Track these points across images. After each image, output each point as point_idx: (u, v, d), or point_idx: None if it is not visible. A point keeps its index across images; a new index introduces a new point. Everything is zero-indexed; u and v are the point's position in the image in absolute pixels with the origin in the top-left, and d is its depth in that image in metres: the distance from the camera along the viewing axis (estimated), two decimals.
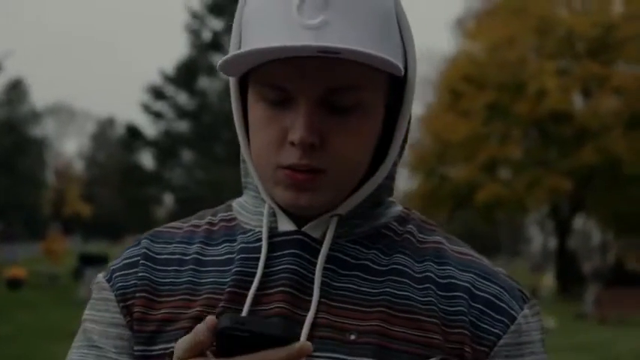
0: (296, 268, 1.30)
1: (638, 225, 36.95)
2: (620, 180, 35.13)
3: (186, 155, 42.73)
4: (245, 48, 1.25)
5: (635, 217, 36.13)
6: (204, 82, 42.23)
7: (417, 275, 1.33)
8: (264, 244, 1.33)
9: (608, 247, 52.79)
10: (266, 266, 1.31)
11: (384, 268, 1.33)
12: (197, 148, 41.64)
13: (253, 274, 1.31)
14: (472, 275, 1.35)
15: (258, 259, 1.32)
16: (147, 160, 43.60)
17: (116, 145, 70.69)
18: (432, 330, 1.29)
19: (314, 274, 1.30)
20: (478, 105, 35.63)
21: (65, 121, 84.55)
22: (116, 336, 1.37)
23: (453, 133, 35.90)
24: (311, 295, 1.29)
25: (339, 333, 1.27)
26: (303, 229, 1.33)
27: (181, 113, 41.95)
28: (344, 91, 1.25)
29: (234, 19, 1.33)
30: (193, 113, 41.56)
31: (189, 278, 1.36)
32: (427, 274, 1.34)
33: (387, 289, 1.31)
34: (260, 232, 1.35)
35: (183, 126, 42.46)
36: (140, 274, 1.38)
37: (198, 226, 1.44)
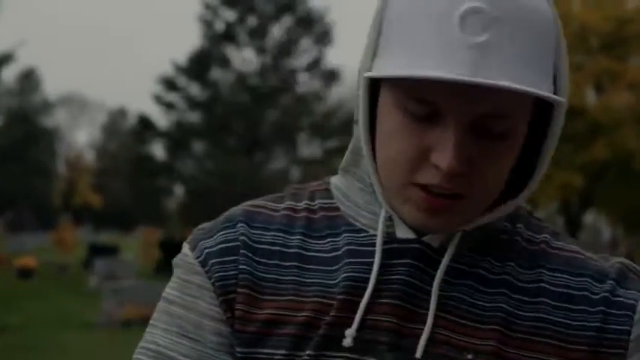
0: (411, 280, 1.24)
1: None
2: (631, 176, 35.03)
3: (198, 146, 42.76)
4: (391, 58, 1.18)
5: None
6: (216, 74, 42.22)
7: (529, 287, 1.27)
8: (377, 250, 1.25)
9: (619, 243, 52.70)
10: (379, 274, 1.24)
11: (497, 278, 1.27)
12: (208, 140, 41.66)
13: (365, 281, 1.25)
14: (587, 280, 1.29)
15: (370, 264, 1.25)
16: (158, 150, 43.65)
17: (127, 135, 70.77)
18: (545, 352, 1.23)
19: (430, 285, 1.24)
20: None
21: (77, 112, 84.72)
22: (213, 330, 1.28)
23: None
24: (425, 307, 1.23)
25: (456, 351, 1.22)
26: (423, 238, 1.26)
27: (193, 104, 41.96)
28: (497, 118, 1.18)
29: (373, 20, 1.24)
30: (205, 104, 41.57)
31: (294, 277, 1.27)
32: (541, 284, 1.28)
33: (501, 305, 1.25)
34: (373, 235, 1.28)
35: (194, 117, 42.48)
36: (241, 267, 1.28)
37: (296, 211, 1.34)
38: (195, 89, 42.10)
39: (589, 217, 49.52)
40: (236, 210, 1.35)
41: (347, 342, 1.22)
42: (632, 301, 1.27)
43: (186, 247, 1.34)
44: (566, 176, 34.16)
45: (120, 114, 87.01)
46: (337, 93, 45.87)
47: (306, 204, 1.34)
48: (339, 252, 1.28)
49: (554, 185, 34.47)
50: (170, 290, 1.33)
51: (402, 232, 1.26)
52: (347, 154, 1.33)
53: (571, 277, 1.29)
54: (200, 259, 1.30)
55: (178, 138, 41.34)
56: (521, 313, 1.25)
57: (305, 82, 43.11)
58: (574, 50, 36.13)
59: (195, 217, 45.13)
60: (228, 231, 1.31)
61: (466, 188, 1.19)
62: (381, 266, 1.25)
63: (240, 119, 40.22)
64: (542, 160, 1.28)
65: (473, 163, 1.18)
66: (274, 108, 40.93)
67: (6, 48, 35.24)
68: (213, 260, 1.29)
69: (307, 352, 1.23)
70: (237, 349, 1.26)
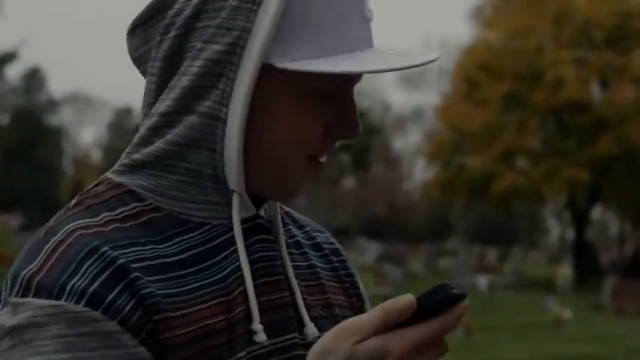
0: (269, 254, 1.27)
1: None
2: (638, 170, 34.97)
3: None
4: (307, 45, 1.21)
5: None
6: None
7: (310, 243, 1.42)
8: (238, 235, 1.23)
9: (627, 238, 52.60)
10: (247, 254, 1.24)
11: (293, 240, 1.38)
12: None
13: (240, 270, 1.23)
14: (326, 234, 1.48)
15: (233, 253, 1.23)
16: None
17: (134, 133, 70.68)
18: (344, 294, 1.42)
19: (278, 257, 1.29)
20: (495, 94, 35.54)
21: (83, 110, 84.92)
22: None
23: (469, 122, 35.83)
24: (281, 277, 1.28)
25: (313, 310, 1.31)
26: (259, 212, 1.29)
27: None
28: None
29: (266, 4, 1.20)
30: None
31: (182, 288, 1.18)
32: (316, 241, 1.43)
33: (312, 262, 1.38)
34: (218, 225, 1.24)
35: None
36: (142, 292, 1.14)
37: (122, 221, 1.20)
38: None
39: (597, 213, 49.49)
40: (78, 235, 1.16)
41: (260, 337, 1.21)
42: (341, 250, 1.48)
43: (37, 300, 1.11)
44: (572, 171, 34.13)
45: (126, 112, 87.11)
46: None
47: (124, 211, 1.22)
48: (198, 249, 1.22)
49: (561, 179, 34.45)
50: (53, 355, 1.08)
51: (243, 212, 1.26)
52: (150, 151, 1.24)
53: (320, 233, 1.46)
54: (84, 302, 1.10)
55: None
56: (322, 265, 1.40)
57: None
58: (578, 45, 36.10)
59: None
60: (94, 259, 1.14)
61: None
62: (245, 247, 1.24)
63: None
64: None
65: None
66: None
67: (10, 46, 35.27)
68: (110, 297, 1.11)
69: (238, 356, 1.19)
70: None
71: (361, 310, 1.42)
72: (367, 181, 61.13)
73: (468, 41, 44.27)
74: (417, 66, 1.21)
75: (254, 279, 1.23)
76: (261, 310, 1.22)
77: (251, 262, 1.24)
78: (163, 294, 1.15)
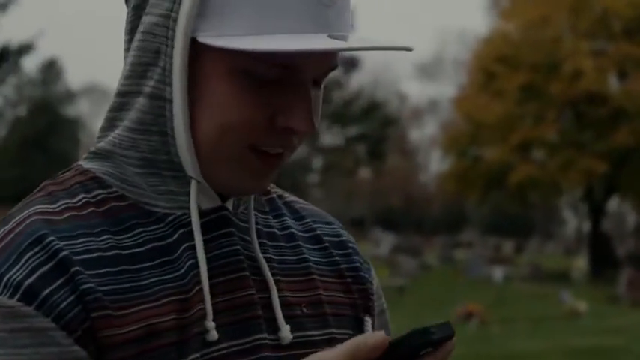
0: (235, 248, 1.18)
1: None
2: None
3: None
4: (234, 19, 1.09)
5: None
6: None
7: (307, 235, 1.33)
8: (196, 229, 1.15)
9: None
10: (207, 251, 1.16)
11: (285, 232, 1.29)
12: None
13: (198, 267, 1.14)
14: (335, 226, 1.37)
15: (192, 247, 1.15)
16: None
17: None
18: (343, 290, 1.31)
19: (249, 250, 1.20)
20: (512, 85, 35.42)
21: (99, 101, 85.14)
22: None
23: (486, 113, 35.72)
24: (254, 273, 1.19)
25: (293, 309, 1.22)
26: (225, 204, 1.20)
27: None
28: (331, 71, 1.18)
29: None
30: None
31: (133, 283, 1.10)
32: (316, 233, 1.34)
33: (304, 256, 1.28)
34: (181, 215, 1.17)
35: None
36: (83, 287, 1.06)
37: (79, 209, 1.14)
38: None
39: (613, 204, 49.30)
40: (28, 223, 1.10)
41: (212, 336, 1.12)
42: (351, 243, 1.37)
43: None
44: (589, 163, 34.01)
45: None
46: (357, 80, 45.84)
47: (84, 198, 1.15)
48: (160, 243, 1.15)
49: (577, 171, 34.33)
50: None
51: (206, 202, 1.18)
52: (111, 138, 1.18)
53: (326, 225, 1.36)
54: (19, 296, 1.04)
55: None
56: (317, 259, 1.30)
57: None
58: (596, 35, 35.94)
59: None
60: (37, 250, 1.07)
61: (296, 144, 1.18)
62: (205, 243, 1.15)
63: None
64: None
65: None
66: None
67: (27, 38, 35.40)
68: (45, 292, 1.04)
69: (191, 357, 1.11)
70: None
71: (365, 306, 1.33)
72: (383, 173, 61.09)
73: (485, 32, 44.18)
74: (353, 49, 1.09)
75: (214, 276, 1.15)
76: (218, 309, 1.14)
77: (211, 259, 1.15)
78: (108, 289, 1.07)
